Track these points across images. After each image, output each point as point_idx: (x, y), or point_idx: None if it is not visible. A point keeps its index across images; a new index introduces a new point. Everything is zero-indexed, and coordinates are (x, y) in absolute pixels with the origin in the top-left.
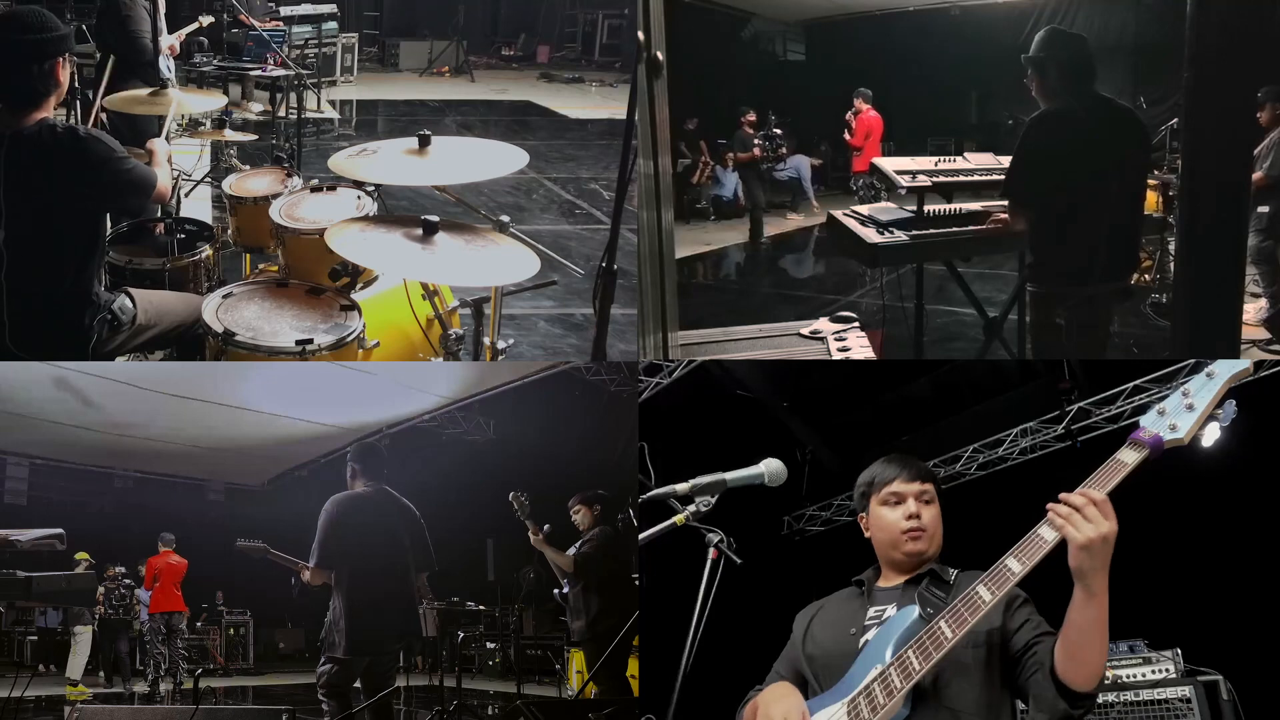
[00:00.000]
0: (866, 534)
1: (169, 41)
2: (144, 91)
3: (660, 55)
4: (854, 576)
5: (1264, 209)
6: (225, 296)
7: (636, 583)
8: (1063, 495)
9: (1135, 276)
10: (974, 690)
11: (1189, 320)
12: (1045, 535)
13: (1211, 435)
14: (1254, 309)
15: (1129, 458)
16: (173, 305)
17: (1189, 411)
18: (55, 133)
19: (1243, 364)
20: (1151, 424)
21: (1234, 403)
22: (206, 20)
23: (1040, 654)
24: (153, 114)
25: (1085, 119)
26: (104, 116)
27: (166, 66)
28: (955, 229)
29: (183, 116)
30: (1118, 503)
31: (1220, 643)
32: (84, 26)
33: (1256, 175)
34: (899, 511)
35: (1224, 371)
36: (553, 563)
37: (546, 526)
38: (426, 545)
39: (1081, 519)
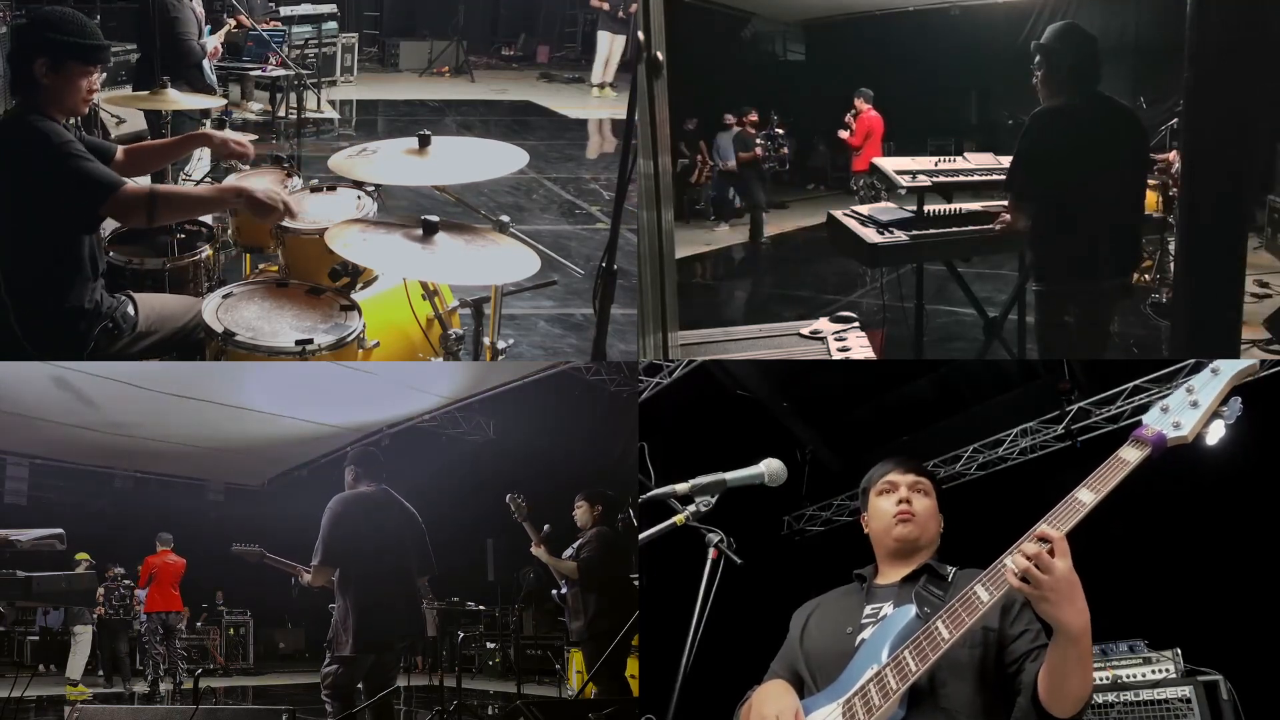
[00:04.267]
0: (866, 531)
1: (212, 44)
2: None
3: (660, 55)
4: (855, 570)
5: None
6: (225, 296)
7: (636, 583)
8: (1023, 547)
9: (1135, 276)
10: (970, 691)
11: (1189, 320)
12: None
13: (1216, 433)
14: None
15: (1131, 456)
16: (174, 310)
17: (1193, 409)
18: (10, 125)
19: (1248, 361)
20: (1154, 421)
21: (1239, 400)
22: (247, 22)
23: (1025, 678)
24: (154, 109)
25: (1087, 116)
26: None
27: (209, 69)
28: (955, 229)
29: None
30: (1118, 502)
31: (1220, 643)
32: (109, 44)
33: None
34: (891, 499)
35: (1229, 368)
36: (555, 570)
37: (546, 527)
38: (427, 549)
39: (1037, 567)
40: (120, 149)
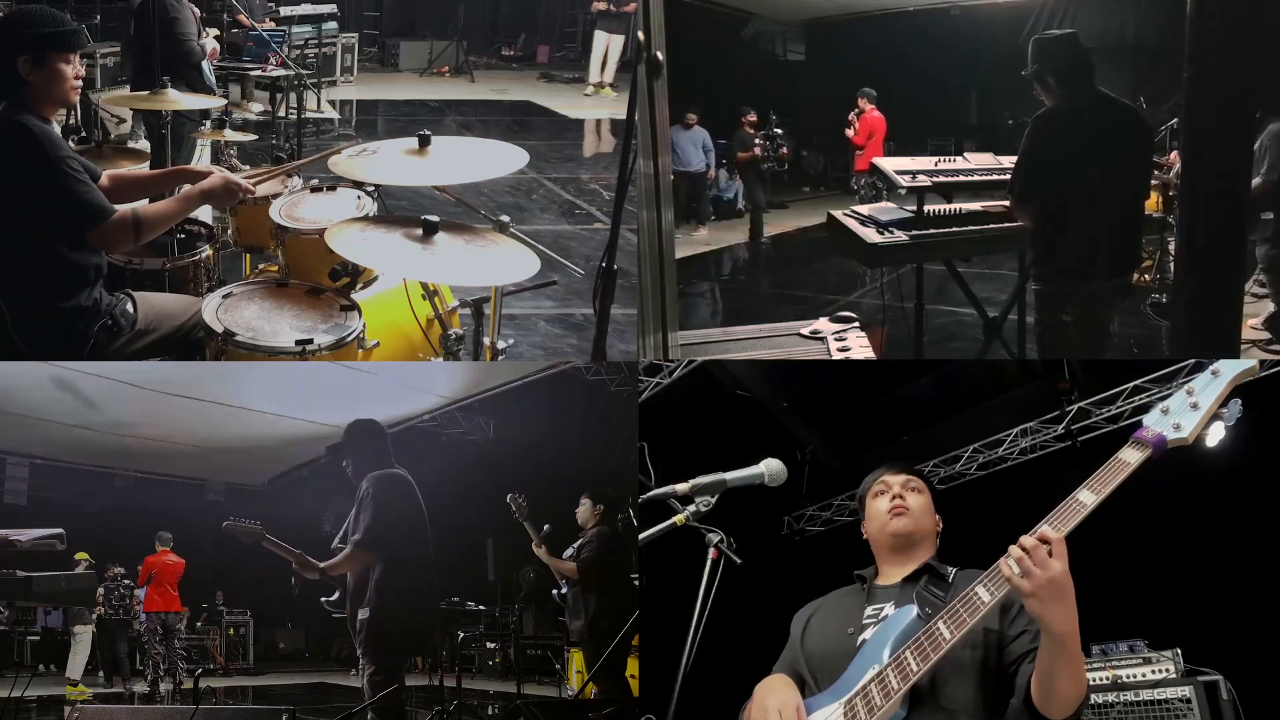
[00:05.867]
0: (866, 538)
1: (212, 45)
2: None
3: (660, 55)
4: (856, 571)
5: (1268, 215)
6: (225, 296)
7: (636, 583)
8: (1021, 540)
9: (1135, 276)
10: (971, 690)
11: (1189, 320)
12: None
13: (1216, 435)
14: (1258, 318)
15: (1131, 457)
16: (173, 309)
17: (1193, 410)
18: (2, 126)
19: (1248, 362)
20: (1155, 423)
21: (1239, 402)
22: (246, 22)
23: (1020, 679)
24: (154, 109)
25: (1089, 116)
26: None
27: (209, 70)
28: (955, 229)
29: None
30: (1118, 503)
31: (1220, 643)
32: (83, 26)
33: (1255, 182)
34: (884, 499)
35: (1229, 370)
36: (556, 570)
37: (546, 527)
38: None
39: (1030, 564)
40: (105, 175)
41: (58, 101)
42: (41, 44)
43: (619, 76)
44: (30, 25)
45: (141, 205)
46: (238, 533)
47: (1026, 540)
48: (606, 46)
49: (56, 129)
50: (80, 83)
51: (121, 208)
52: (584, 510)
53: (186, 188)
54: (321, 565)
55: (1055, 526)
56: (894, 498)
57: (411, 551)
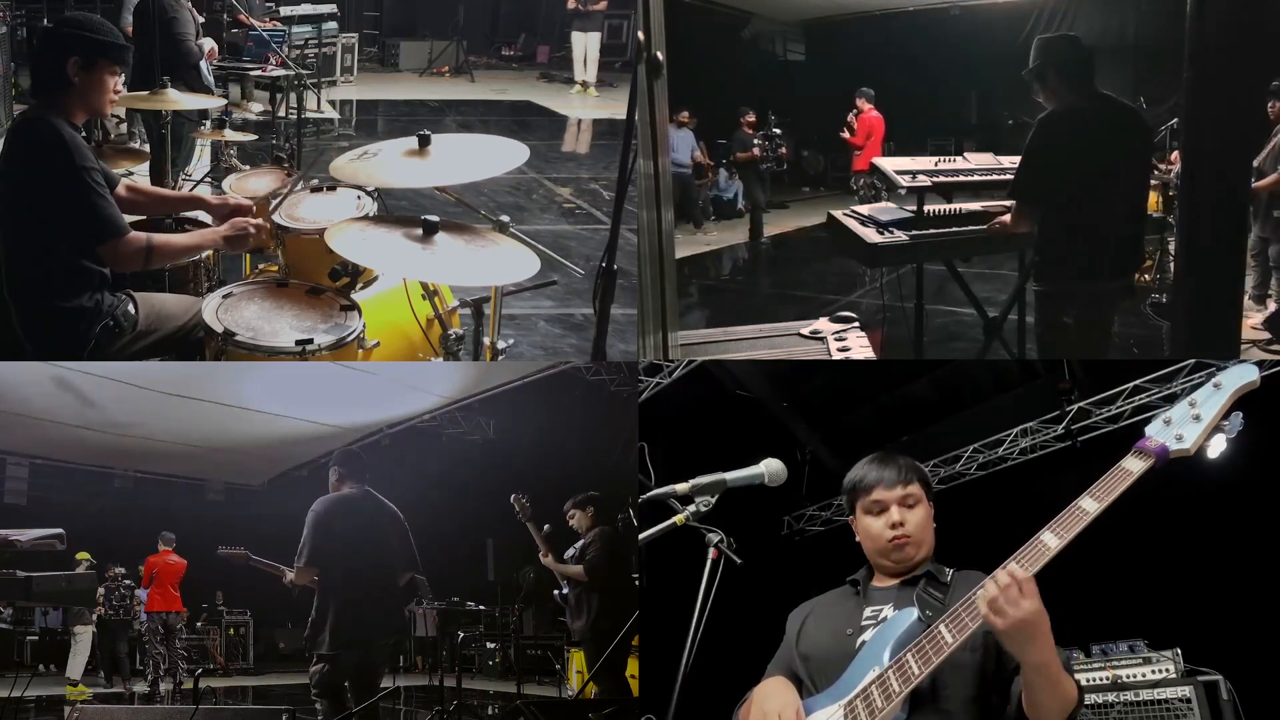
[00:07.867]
0: (857, 538)
1: (210, 45)
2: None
3: (660, 55)
4: (848, 576)
5: None
6: (225, 296)
7: (636, 583)
8: (995, 574)
9: (1136, 276)
10: (971, 693)
11: (1189, 320)
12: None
13: (1217, 447)
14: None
15: (1134, 466)
16: (174, 310)
17: (1195, 422)
18: (34, 125)
19: (1250, 375)
20: (1157, 433)
21: (1240, 415)
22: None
23: (1014, 688)
24: (154, 109)
25: (1091, 117)
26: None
27: (207, 70)
28: (955, 229)
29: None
30: (1118, 507)
31: (1220, 643)
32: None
33: (1272, 178)
34: (882, 520)
35: (1231, 383)
36: (562, 575)
37: (546, 527)
38: (411, 547)
39: (1003, 601)
40: (123, 184)
41: (93, 109)
42: (94, 50)
43: (601, 75)
44: (87, 29)
45: (157, 235)
46: (229, 558)
47: (1001, 577)
48: (585, 45)
49: None
50: (118, 96)
51: (136, 231)
52: (577, 519)
53: (206, 231)
54: (290, 577)
55: (1024, 564)
56: (894, 525)
57: (348, 564)
